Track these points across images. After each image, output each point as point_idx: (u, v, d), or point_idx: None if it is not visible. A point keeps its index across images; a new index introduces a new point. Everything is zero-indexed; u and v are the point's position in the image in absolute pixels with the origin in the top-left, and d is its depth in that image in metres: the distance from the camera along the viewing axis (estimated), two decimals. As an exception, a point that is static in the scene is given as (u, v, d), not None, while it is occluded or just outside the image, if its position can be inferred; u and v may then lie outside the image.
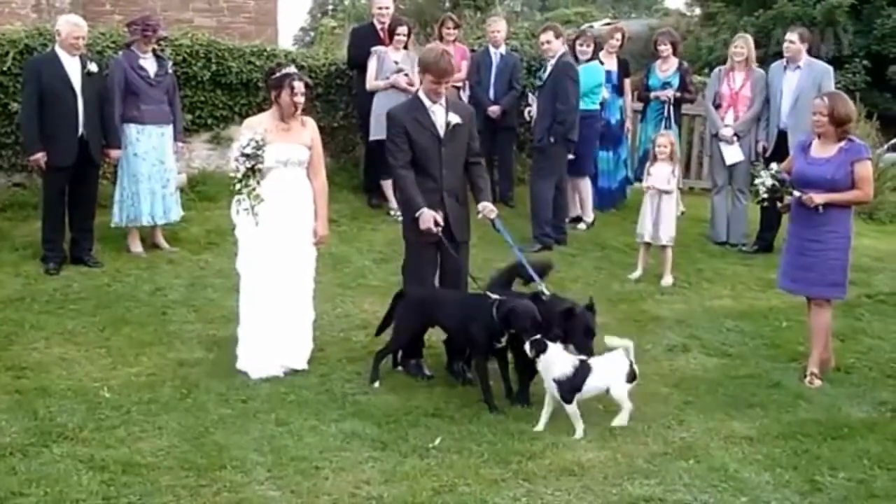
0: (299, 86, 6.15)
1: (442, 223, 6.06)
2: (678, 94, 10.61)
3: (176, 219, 8.86)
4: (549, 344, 5.45)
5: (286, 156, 6.20)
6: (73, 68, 7.97)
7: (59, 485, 4.62)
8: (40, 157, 7.93)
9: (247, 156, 5.99)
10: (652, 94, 10.71)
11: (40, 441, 5.09)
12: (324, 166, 6.53)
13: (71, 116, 7.97)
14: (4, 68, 9.30)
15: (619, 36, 11.03)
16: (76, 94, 7.97)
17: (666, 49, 10.70)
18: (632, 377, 5.58)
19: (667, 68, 10.71)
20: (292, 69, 6.27)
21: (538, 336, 5.47)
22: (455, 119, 6.11)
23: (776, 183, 6.35)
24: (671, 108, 10.56)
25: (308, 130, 6.33)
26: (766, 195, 6.44)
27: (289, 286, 6.23)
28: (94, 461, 4.87)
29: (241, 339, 6.24)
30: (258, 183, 6.05)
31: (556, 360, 5.43)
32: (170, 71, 8.74)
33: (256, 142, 6.00)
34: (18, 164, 9.64)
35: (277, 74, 6.23)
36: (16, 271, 8.04)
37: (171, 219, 8.80)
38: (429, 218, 6.00)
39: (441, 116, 6.11)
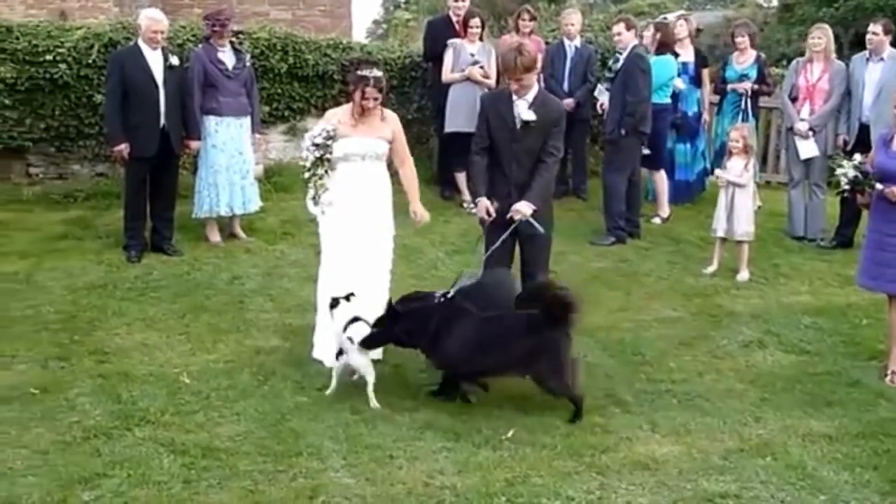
0: (371, 91, 6.09)
1: (493, 214, 6.08)
2: (755, 87, 10.44)
3: (255, 209, 8.99)
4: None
5: (363, 149, 6.23)
6: (155, 61, 8.13)
7: (142, 467, 4.74)
8: (123, 148, 8.11)
9: (316, 145, 6.09)
10: (729, 87, 10.55)
11: (123, 424, 5.22)
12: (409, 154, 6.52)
13: (153, 108, 8.13)
14: (89, 61, 9.57)
15: (682, 24, 10.88)
16: (158, 87, 8.13)
17: (743, 41, 10.54)
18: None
19: (744, 60, 10.55)
20: (372, 72, 6.15)
21: None
22: (529, 116, 6.01)
23: (859, 174, 6.20)
24: (748, 100, 10.39)
25: (388, 124, 6.31)
26: (847, 186, 6.30)
27: (365, 276, 6.25)
28: (174, 445, 4.99)
29: (317, 327, 6.32)
30: (326, 173, 6.13)
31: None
32: (247, 64, 8.85)
33: (328, 132, 6.08)
34: (102, 155, 9.94)
35: (356, 73, 6.23)
36: (99, 259, 8.26)
37: (250, 209, 8.94)
38: (482, 207, 6.12)
39: (522, 111, 6.05)
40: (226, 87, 8.62)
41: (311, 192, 6.21)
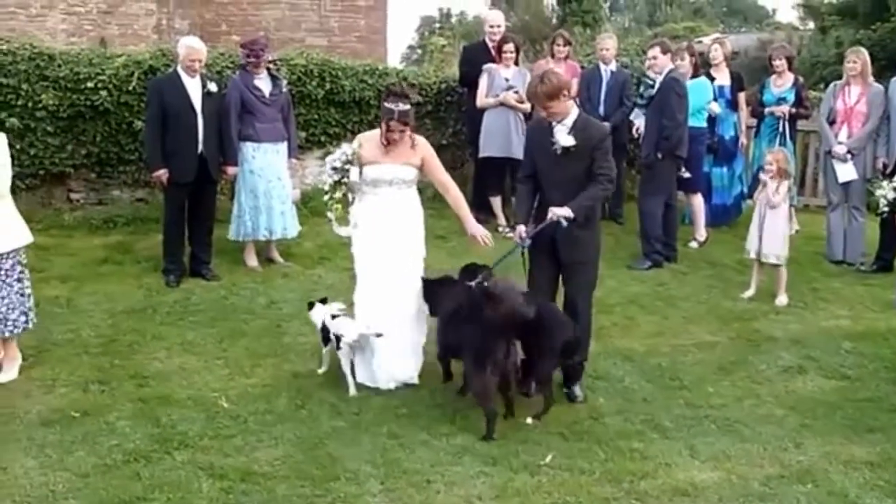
0: (395, 125, 6.15)
1: (524, 238, 6.07)
2: (793, 110, 10.39)
3: (293, 234, 9.05)
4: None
5: (391, 175, 6.31)
6: (193, 88, 8.23)
7: (181, 491, 4.78)
8: (162, 173, 8.21)
9: (335, 169, 6.28)
10: (766, 110, 10.51)
11: (162, 448, 5.26)
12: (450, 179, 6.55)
13: (191, 134, 8.22)
14: (130, 88, 9.71)
15: (717, 48, 10.86)
16: (196, 113, 8.22)
17: (781, 64, 10.50)
18: None
19: (782, 83, 10.51)
20: (398, 106, 6.13)
21: None
22: (568, 142, 5.94)
23: None
24: (786, 124, 10.35)
25: (417, 152, 6.34)
26: (886, 208, 6.26)
27: (397, 301, 6.31)
28: (213, 469, 5.02)
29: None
30: (344, 196, 6.32)
31: None
32: (284, 90, 8.93)
33: (347, 157, 6.24)
34: (141, 180, 10.06)
35: (384, 105, 6.23)
36: (138, 283, 8.35)
37: (289, 234, 9.00)
38: (517, 233, 6.14)
39: (560, 137, 5.98)
40: (262, 114, 8.69)
41: (329, 215, 6.44)
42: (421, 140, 6.44)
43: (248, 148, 8.66)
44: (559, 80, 6.06)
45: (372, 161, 6.26)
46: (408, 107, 6.18)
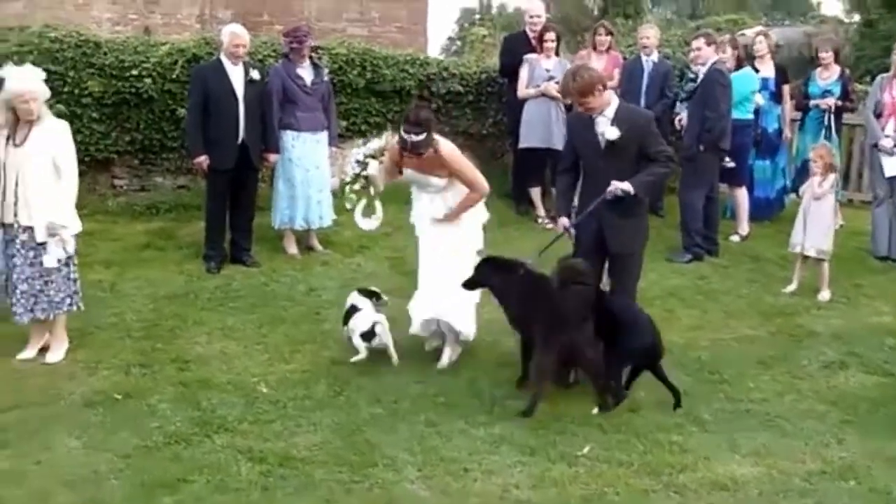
0: (408, 155, 6.21)
1: (568, 228, 6.16)
2: (839, 103, 10.26)
3: (328, 224, 9.08)
4: None
5: (419, 180, 6.47)
6: (236, 76, 8.28)
7: (221, 474, 4.83)
8: (203, 160, 8.28)
9: (358, 161, 6.50)
10: (811, 103, 10.39)
11: (202, 431, 5.32)
12: (478, 184, 6.44)
13: (232, 122, 8.27)
14: (173, 76, 9.78)
15: (761, 39, 10.71)
16: (238, 101, 8.28)
17: (827, 56, 10.37)
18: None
19: (828, 76, 10.38)
20: (410, 137, 6.04)
21: None
22: (613, 135, 5.89)
23: None
24: (832, 117, 10.22)
25: (441, 164, 6.30)
26: None
27: (439, 289, 6.42)
28: (252, 453, 5.06)
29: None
30: (362, 189, 6.60)
31: None
32: (325, 79, 8.96)
33: (372, 151, 6.51)
34: (183, 168, 10.14)
35: (400, 132, 6.17)
36: (180, 269, 8.43)
37: (325, 224, 9.04)
38: (560, 223, 6.22)
39: (605, 129, 5.94)
40: (304, 103, 8.74)
41: (347, 205, 6.76)
42: (445, 150, 6.29)
43: (288, 136, 8.71)
44: (591, 75, 6.01)
45: (406, 165, 6.36)
46: (421, 137, 6.06)
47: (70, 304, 6.43)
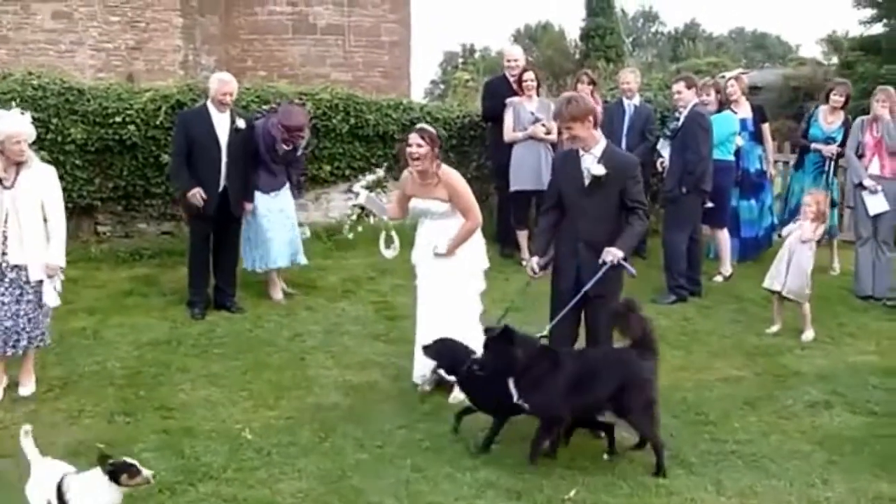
0: (413, 137, 6.54)
1: (538, 272, 6.15)
2: (840, 150, 10.29)
3: (302, 262, 9.08)
4: None
5: (423, 208, 6.72)
6: (221, 123, 8.30)
7: (205, 523, 4.79)
8: (197, 191, 8.23)
9: (352, 192, 7.14)
10: (813, 146, 10.43)
11: (187, 479, 5.28)
12: (474, 212, 6.71)
13: (214, 169, 8.28)
14: (157, 122, 9.82)
15: (733, 83, 10.82)
16: (221, 149, 8.29)
17: (840, 100, 10.39)
18: None
19: (833, 121, 10.39)
20: (414, 132, 6.60)
21: None
22: (598, 171, 5.92)
23: None
24: (832, 163, 10.29)
25: (443, 186, 6.62)
26: None
27: (437, 315, 6.62)
28: (237, 501, 5.04)
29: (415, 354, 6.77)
30: (359, 218, 7.03)
31: None
32: (299, 153, 9.03)
33: (369, 182, 7.05)
34: (168, 214, 10.17)
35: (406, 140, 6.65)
36: (164, 315, 8.40)
37: (300, 261, 9.04)
38: (530, 265, 6.21)
39: (590, 165, 5.97)
40: (270, 168, 8.77)
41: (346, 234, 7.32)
42: (448, 175, 6.69)
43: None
44: (586, 104, 6.11)
45: (411, 195, 6.73)
46: (425, 147, 6.50)
47: (41, 340, 6.61)
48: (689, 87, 9.38)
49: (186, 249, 8.84)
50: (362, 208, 7.04)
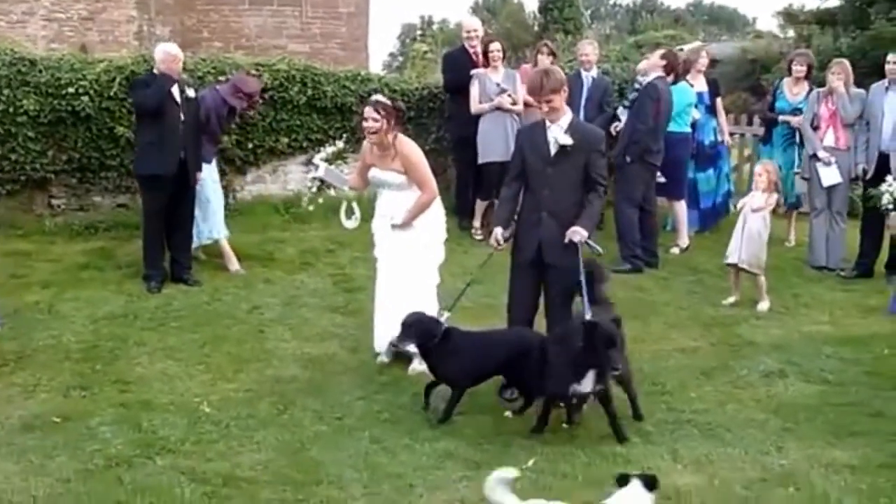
0: (367, 111, 6.53)
1: (502, 242, 6.16)
2: None
3: (216, 237, 8.95)
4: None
5: (380, 179, 6.73)
6: (173, 91, 8.21)
7: (163, 496, 4.76)
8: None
9: (312, 164, 7.25)
10: (781, 118, 10.50)
11: (144, 453, 5.25)
12: (429, 184, 6.71)
13: (175, 130, 8.18)
14: (111, 93, 9.67)
15: (704, 55, 10.92)
16: (179, 115, 8.21)
17: (801, 70, 10.46)
18: None
19: (798, 91, 10.44)
20: (369, 102, 6.61)
21: None
22: (565, 140, 5.94)
23: None
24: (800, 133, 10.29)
25: (399, 158, 6.63)
26: (890, 205, 6.26)
27: (394, 287, 6.67)
28: (195, 473, 5.00)
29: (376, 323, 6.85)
30: (318, 189, 7.09)
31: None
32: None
33: (328, 155, 7.09)
34: (122, 186, 10.02)
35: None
36: (120, 289, 8.32)
37: (214, 236, 8.94)
38: (494, 236, 6.21)
39: (556, 135, 5.99)
40: (214, 138, 8.88)
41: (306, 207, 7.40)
42: (404, 146, 6.68)
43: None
44: (561, 75, 6.16)
45: (370, 164, 6.74)
46: (380, 119, 6.49)
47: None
48: (661, 59, 9.44)
49: (141, 222, 8.73)
50: (322, 181, 7.05)
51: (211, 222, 8.82)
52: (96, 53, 11.94)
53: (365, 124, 6.53)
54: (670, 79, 9.83)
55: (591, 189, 6.06)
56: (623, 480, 4.26)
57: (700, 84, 10.66)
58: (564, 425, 5.76)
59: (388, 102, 6.65)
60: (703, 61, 10.82)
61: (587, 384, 5.46)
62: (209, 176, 8.77)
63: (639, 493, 4.18)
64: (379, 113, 6.47)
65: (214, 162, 9.02)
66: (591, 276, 5.90)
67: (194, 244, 8.82)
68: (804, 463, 5.32)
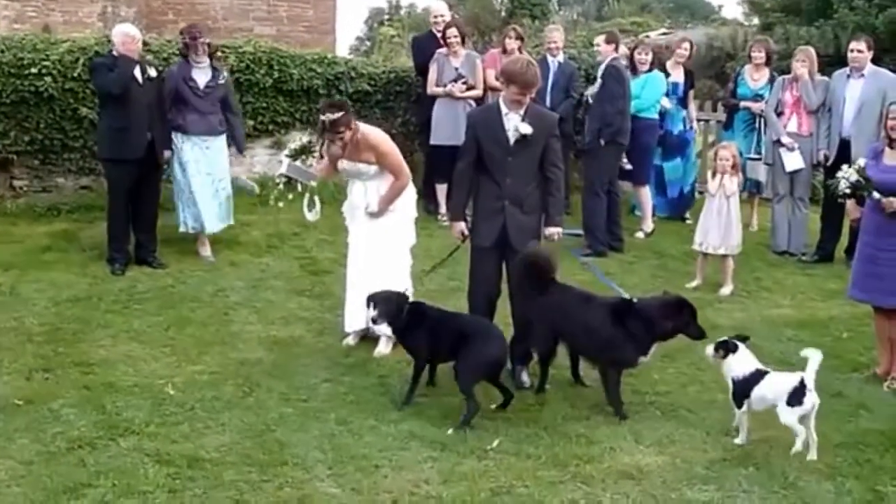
0: (325, 115, 6.42)
1: (466, 234, 6.26)
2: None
3: (211, 230, 8.83)
4: (739, 345, 5.52)
5: (352, 170, 6.73)
6: (135, 72, 8.14)
7: (127, 477, 4.75)
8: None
9: (280, 161, 7.26)
10: (742, 104, 10.61)
11: (108, 435, 5.23)
12: (402, 170, 6.76)
13: (141, 112, 8.12)
14: (74, 74, 9.57)
15: (686, 46, 11.01)
16: (143, 92, 8.14)
17: (760, 56, 10.60)
18: (795, 400, 5.18)
19: (759, 78, 10.60)
20: (329, 117, 6.39)
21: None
22: (525, 129, 5.96)
23: (861, 179, 6.23)
24: (763, 120, 10.39)
25: (368, 150, 6.61)
26: (847, 190, 6.32)
27: (367, 267, 6.70)
28: (159, 455, 4.99)
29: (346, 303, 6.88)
30: (286, 183, 6.94)
31: (738, 362, 5.47)
32: (222, 81, 8.68)
33: (292, 150, 6.99)
34: (86, 168, 9.94)
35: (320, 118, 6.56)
36: (83, 271, 8.26)
37: (208, 230, 8.79)
38: (456, 230, 6.34)
39: (517, 125, 6.00)
40: (193, 106, 8.50)
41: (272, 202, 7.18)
42: (372, 137, 6.66)
43: (178, 138, 8.52)
44: (538, 69, 6.21)
45: (339, 154, 6.64)
46: (338, 115, 6.39)
47: None
48: (608, 43, 9.55)
49: (106, 204, 8.65)
50: (288, 178, 6.95)
51: (193, 211, 8.66)
52: (59, 34, 11.80)
53: (339, 142, 6.46)
54: (645, 67, 9.94)
55: (552, 176, 6.14)
56: (732, 346, 5.46)
57: (677, 74, 10.76)
58: (493, 406, 5.78)
59: (336, 108, 6.47)
60: (684, 52, 10.88)
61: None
62: (193, 156, 8.54)
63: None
64: (334, 110, 6.42)
65: (212, 143, 8.65)
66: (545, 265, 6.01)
67: (181, 228, 8.74)
68: (763, 443, 5.39)
